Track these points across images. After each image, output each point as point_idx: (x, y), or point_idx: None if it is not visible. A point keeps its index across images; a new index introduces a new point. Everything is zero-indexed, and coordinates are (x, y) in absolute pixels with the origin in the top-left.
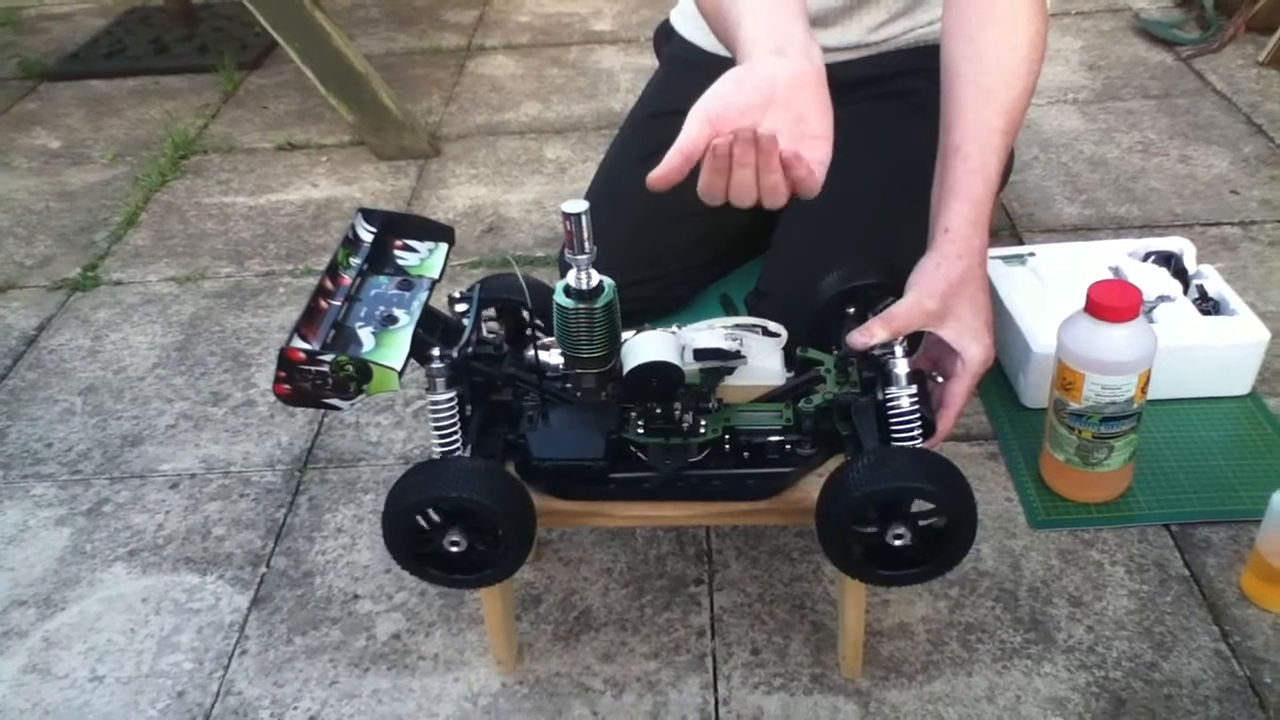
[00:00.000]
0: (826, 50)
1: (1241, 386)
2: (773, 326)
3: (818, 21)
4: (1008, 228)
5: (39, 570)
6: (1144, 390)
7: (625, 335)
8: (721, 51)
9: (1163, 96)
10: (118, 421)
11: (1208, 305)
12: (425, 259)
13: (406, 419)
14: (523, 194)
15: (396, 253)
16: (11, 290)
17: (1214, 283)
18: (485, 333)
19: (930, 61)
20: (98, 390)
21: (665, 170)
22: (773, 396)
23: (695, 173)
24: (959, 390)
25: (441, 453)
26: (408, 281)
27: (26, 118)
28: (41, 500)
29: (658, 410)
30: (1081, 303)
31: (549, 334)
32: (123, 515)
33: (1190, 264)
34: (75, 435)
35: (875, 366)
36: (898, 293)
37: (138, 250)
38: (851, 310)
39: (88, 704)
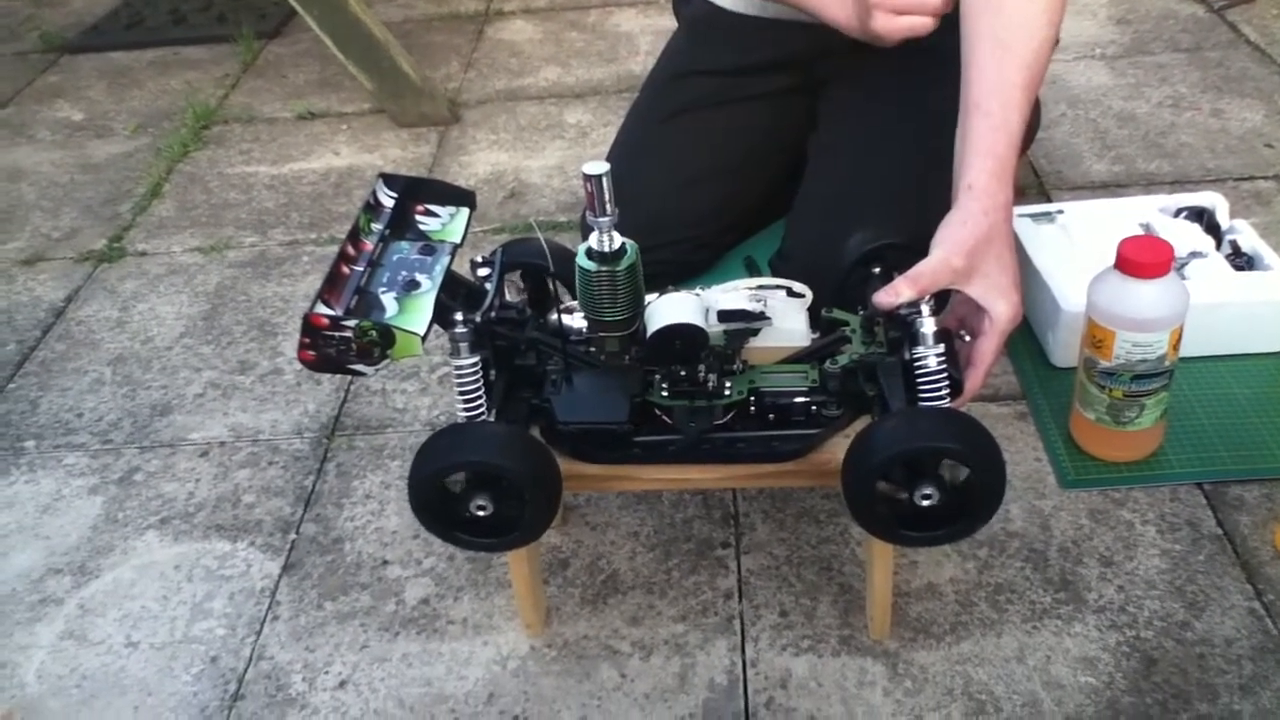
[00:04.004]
0: None
1: (1276, 343)
2: (797, 287)
3: None
4: (1035, 186)
5: (73, 538)
6: (1176, 348)
7: (649, 298)
8: (740, 10)
9: (1194, 49)
10: (147, 391)
11: (1241, 261)
12: (447, 224)
13: (432, 385)
14: (544, 159)
15: (418, 218)
16: (39, 262)
17: (1248, 238)
18: (508, 297)
19: (954, 15)
20: (126, 360)
21: None
22: (798, 358)
23: (717, 134)
24: (987, 349)
25: (466, 418)
26: (430, 246)
27: (49, 90)
28: (74, 469)
29: (682, 373)
30: (1111, 260)
31: (573, 297)
32: (154, 484)
33: (1223, 219)
34: (105, 405)
35: (902, 326)
36: (923, 251)
37: (162, 221)
38: (877, 270)
39: (124, 669)
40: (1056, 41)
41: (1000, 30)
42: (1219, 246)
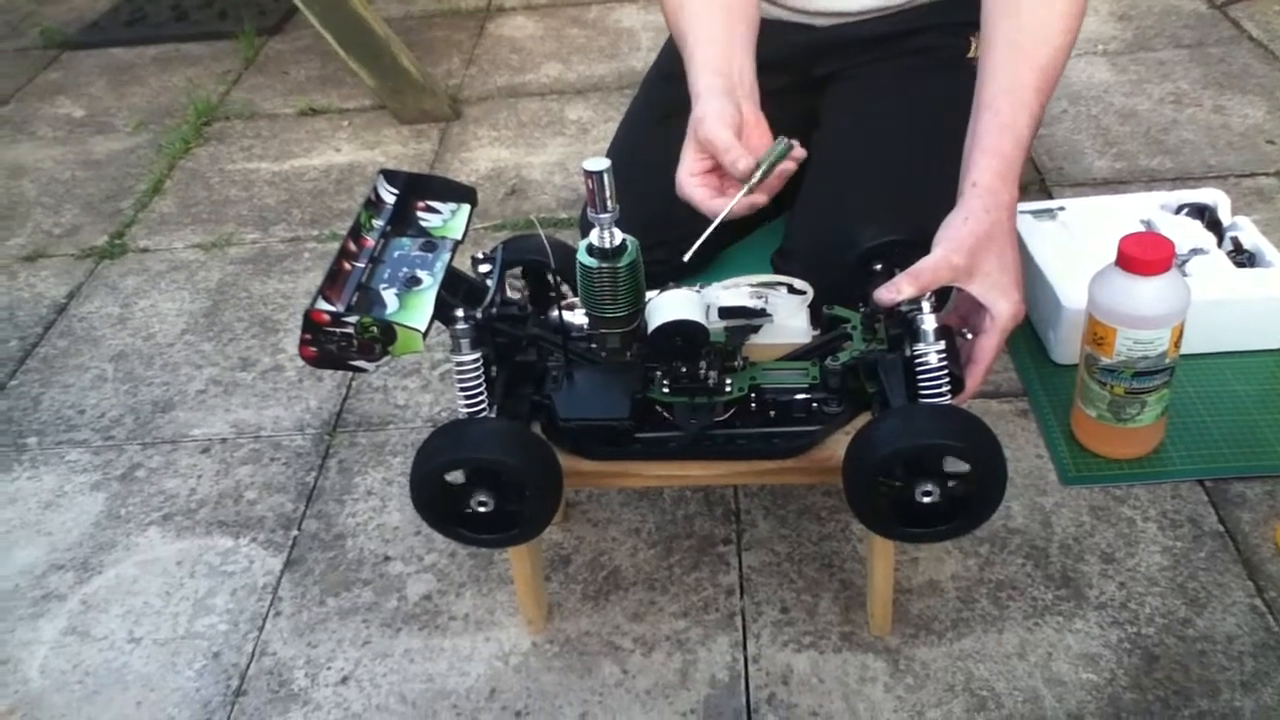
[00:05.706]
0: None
1: (1277, 339)
2: (798, 284)
3: None
4: (1037, 182)
5: (76, 535)
6: (1177, 344)
7: (649, 294)
8: None
9: (1196, 45)
10: (148, 388)
11: (1243, 257)
12: (448, 220)
13: (434, 382)
14: (545, 155)
15: (419, 214)
16: (41, 259)
17: (1249, 235)
18: (509, 294)
19: (956, 16)
20: (128, 357)
21: None
22: (799, 354)
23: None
24: (988, 346)
25: (468, 414)
26: (431, 243)
27: (50, 87)
28: (76, 466)
29: (683, 369)
30: (1113, 257)
31: (574, 294)
32: (156, 480)
33: (1225, 216)
34: (107, 401)
35: (903, 323)
36: (926, 248)
37: (164, 218)
38: (878, 266)
39: (126, 665)
40: (1071, 45)
41: (1015, 34)
42: (1220, 243)
